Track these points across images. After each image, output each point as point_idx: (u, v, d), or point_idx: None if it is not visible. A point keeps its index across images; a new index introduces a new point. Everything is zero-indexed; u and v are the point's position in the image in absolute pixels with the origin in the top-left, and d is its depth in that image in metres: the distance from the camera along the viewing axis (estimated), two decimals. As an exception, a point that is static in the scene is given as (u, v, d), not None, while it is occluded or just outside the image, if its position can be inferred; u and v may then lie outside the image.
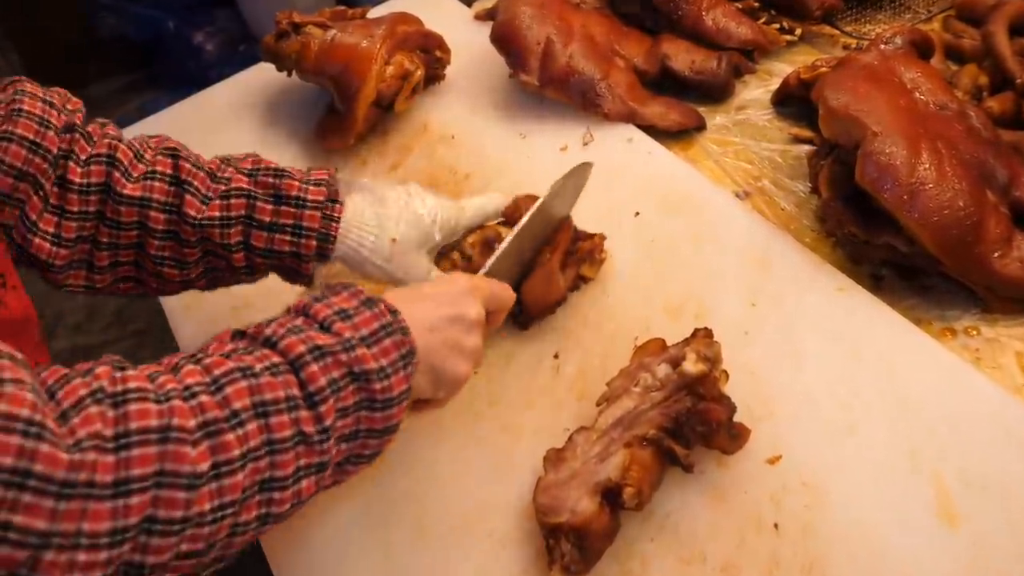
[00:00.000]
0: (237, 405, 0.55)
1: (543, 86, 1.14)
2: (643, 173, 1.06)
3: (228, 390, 0.55)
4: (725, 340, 0.85)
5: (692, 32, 1.20)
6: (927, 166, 0.83)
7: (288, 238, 0.79)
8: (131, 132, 1.32)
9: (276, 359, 0.58)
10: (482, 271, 0.81)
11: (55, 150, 0.75)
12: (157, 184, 0.78)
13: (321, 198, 0.80)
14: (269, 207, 0.79)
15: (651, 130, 1.12)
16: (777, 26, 1.23)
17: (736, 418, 0.76)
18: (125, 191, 0.77)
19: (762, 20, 1.23)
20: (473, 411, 0.88)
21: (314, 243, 0.80)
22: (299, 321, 0.61)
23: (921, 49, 1.03)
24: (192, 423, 0.52)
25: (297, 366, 0.58)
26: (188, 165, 0.79)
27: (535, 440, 0.83)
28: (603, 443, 0.75)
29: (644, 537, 0.75)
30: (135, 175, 0.78)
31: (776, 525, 0.74)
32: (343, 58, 1.16)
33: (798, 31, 1.23)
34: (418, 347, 0.64)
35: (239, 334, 0.62)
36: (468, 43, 1.30)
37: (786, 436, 0.78)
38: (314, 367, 0.58)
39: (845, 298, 0.88)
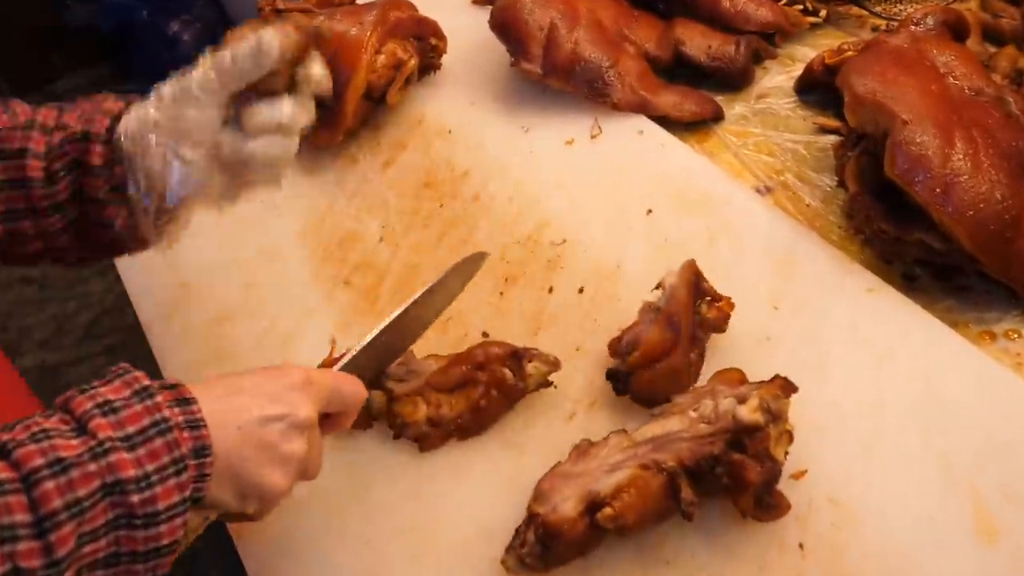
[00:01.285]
0: None
1: (547, 75, 1.16)
2: (655, 168, 1.07)
3: None
4: (745, 347, 0.87)
5: (708, 15, 1.22)
6: (961, 156, 0.85)
7: (83, 119, 0.79)
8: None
9: (4, 475, 0.52)
10: (337, 365, 0.77)
11: None
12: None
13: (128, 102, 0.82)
14: (73, 112, 0.80)
15: (664, 121, 1.14)
16: (800, 7, 1.25)
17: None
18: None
19: (784, 1, 1.25)
20: (474, 426, 0.89)
21: (107, 120, 0.78)
22: (52, 421, 0.56)
23: (955, 30, 1.04)
24: None
25: (29, 483, 0.52)
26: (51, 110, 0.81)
27: (538, 457, 0.84)
28: (626, 454, 0.77)
29: (659, 560, 0.76)
30: None
31: (801, 545, 0.75)
32: (331, 47, 1.17)
33: (823, 12, 1.25)
34: (219, 448, 0.60)
35: None
36: (466, 30, 1.32)
37: (811, 449, 0.79)
38: (49, 484, 0.52)
39: (875, 300, 0.89)
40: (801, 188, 1.04)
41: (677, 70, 1.20)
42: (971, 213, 0.83)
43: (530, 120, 1.19)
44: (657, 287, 0.88)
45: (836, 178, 1.02)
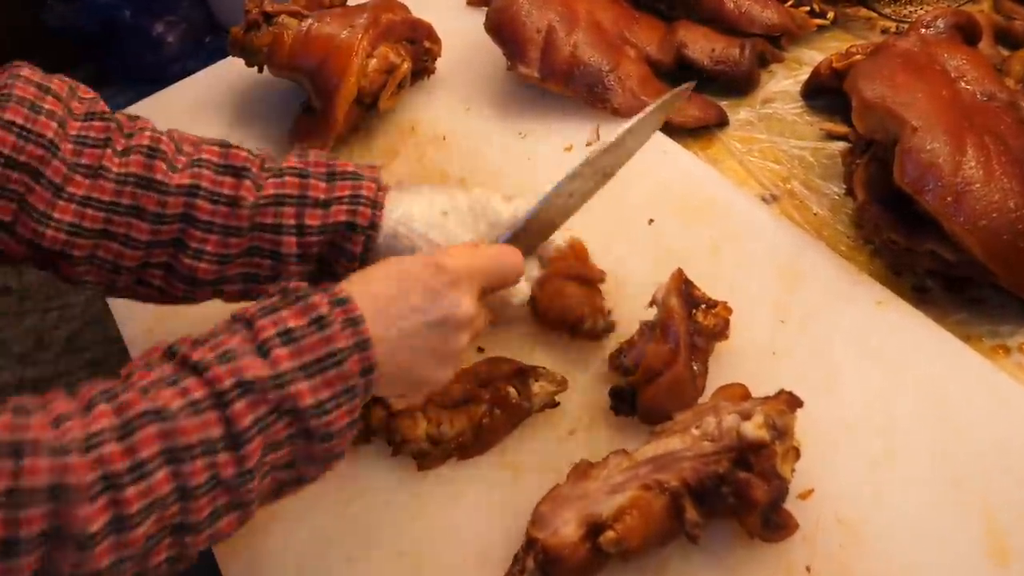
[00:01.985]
0: (145, 453, 0.56)
1: (545, 79, 1.17)
2: (657, 175, 1.08)
3: (136, 436, 0.57)
4: (750, 361, 0.88)
5: (711, 17, 1.23)
6: (973, 164, 0.86)
7: (345, 207, 0.83)
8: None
9: (198, 393, 0.60)
10: (501, 238, 0.84)
11: (50, 134, 0.78)
12: (206, 172, 0.82)
13: (376, 174, 0.87)
14: (323, 184, 0.84)
15: (666, 127, 1.14)
16: (807, 9, 1.26)
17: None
18: (171, 182, 0.81)
19: (790, 2, 1.26)
20: (469, 444, 0.90)
21: (368, 211, 0.84)
22: (236, 340, 0.62)
23: (967, 33, 1.05)
24: (89, 478, 0.54)
25: (222, 402, 0.60)
26: (238, 151, 0.85)
27: (536, 478, 0.85)
28: (627, 475, 0.77)
29: (661, 583, 0.77)
30: (179, 166, 0.82)
31: (808, 568, 0.76)
32: (320, 51, 1.18)
33: (831, 14, 1.26)
34: (385, 360, 0.67)
35: (169, 353, 0.63)
36: (461, 32, 1.33)
37: (818, 468, 0.80)
38: (239, 404, 0.60)
39: (885, 313, 0.90)
40: (808, 196, 1.05)
41: (680, 74, 1.21)
42: (984, 223, 0.84)
43: (528, 126, 1.19)
44: (651, 304, 0.88)
45: (844, 186, 1.03)
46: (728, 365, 0.88)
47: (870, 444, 0.81)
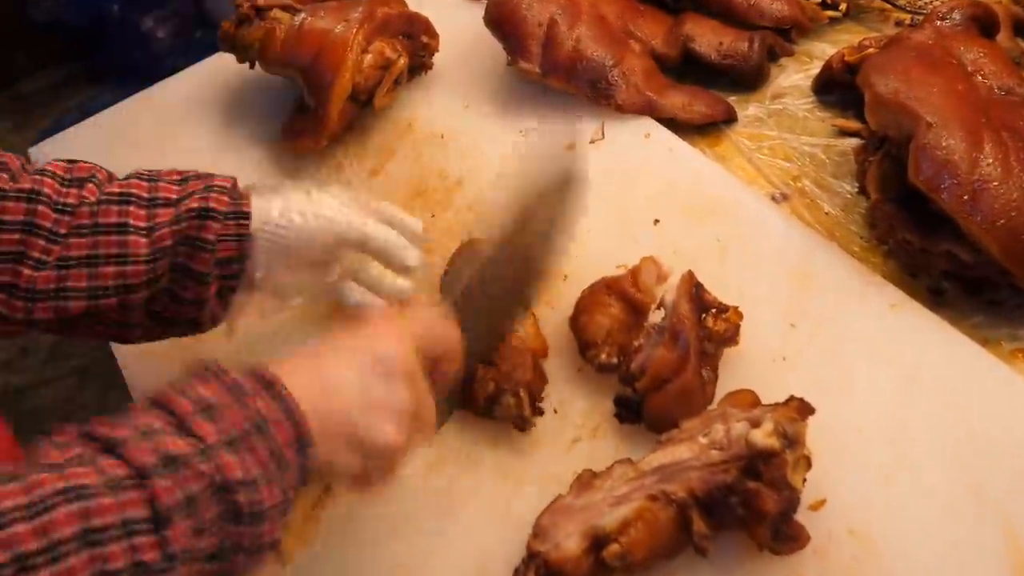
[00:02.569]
0: (59, 535, 0.53)
1: (546, 75, 1.17)
2: (663, 174, 1.08)
3: (50, 515, 0.53)
4: (759, 367, 0.88)
5: (719, 9, 1.23)
6: (991, 161, 0.85)
7: (198, 196, 0.83)
8: (70, 134, 1.38)
9: (120, 472, 0.57)
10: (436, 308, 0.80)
11: None
12: (48, 179, 0.82)
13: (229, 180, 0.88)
14: (175, 186, 0.84)
15: (672, 124, 1.14)
16: (818, 1, 1.26)
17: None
18: (11, 187, 0.80)
19: (801, -6, 1.26)
20: (468, 456, 0.90)
21: (225, 198, 0.84)
22: (153, 418, 0.60)
23: (984, 25, 1.05)
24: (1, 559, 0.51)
25: (144, 479, 0.57)
26: (83, 163, 0.85)
27: (538, 489, 0.85)
28: (632, 485, 0.77)
29: (667, 597, 0.77)
30: (20, 178, 0.82)
31: (820, 581, 0.76)
32: (314, 46, 1.19)
33: (843, 6, 1.25)
34: (317, 421, 0.64)
35: (84, 435, 0.60)
36: (459, 27, 1.33)
37: (831, 477, 0.80)
38: (165, 481, 0.57)
39: (899, 316, 0.90)
40: (819, 195, 1.04)
41: (686, 69, 1.21)
42: (1002, 222, 0.84)
43: (528, 123, 1.19)
44: (658, 306, 0.88)
45: (857, 184, 1.03)
46: (737, 370, 0.88)
47: (884, 452, 0.81)
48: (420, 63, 1.28)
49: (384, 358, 0.69)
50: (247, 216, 0.85)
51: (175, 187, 0.84)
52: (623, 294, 0.90)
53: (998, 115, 0.90)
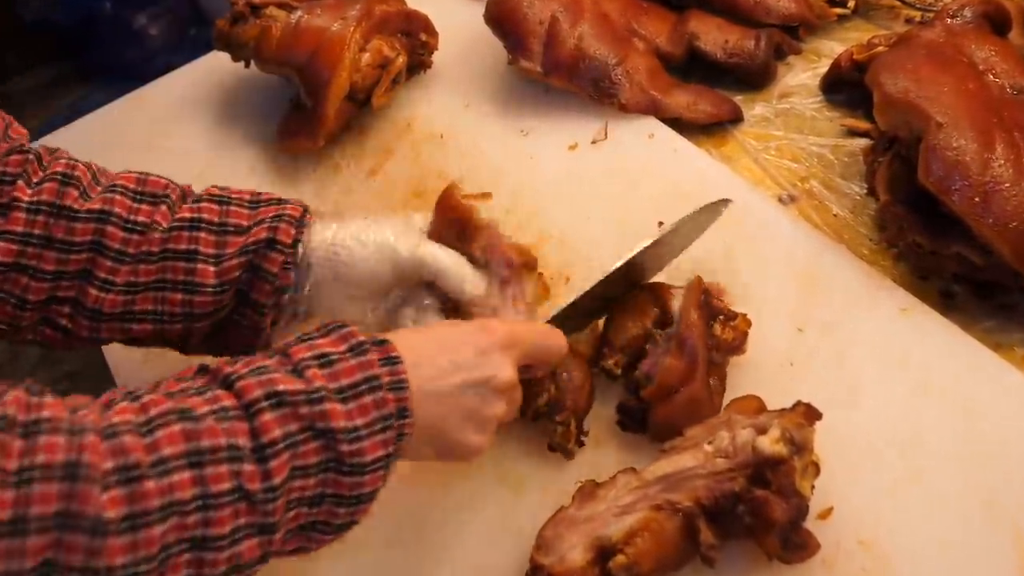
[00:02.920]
0: (167, 451, 0.57)
1: (548, 74, 1.17)
2: (667, 175, 1.08)
3: (159, 433, 0.57)
4: (766, 372, 0.88)
5: (725, 6, 1.23)
6: (1002, 162, 0.85)
7: (266, 226, 0.84)
8: (61, 134, 1.38)
9: (227, 402, 0.61)
10: (546, 317, 0.86)
11: None
12: (119, 197, 0.83)
13: (302, 202, 0.88)
14: (245, 211, 0.85)
15: (677, 124, 1.14)
16: (826, -3, 1.26)
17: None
18: (82, 208, 0.81)
19: (808, -10, 1.26)
20: (468, 464, 0.89)
21: (292, 229, 0.84)
22: (271, 360, 0.64)
23: (996, 22, 1.04)
24: (108, 464, 0.55)
25: (251, 412, 0.61)
26: (156, 178, 0.86)
27: (539, 499, 0.85)
28: (636, 495, 0.77)
29: (671, 609, 0.77)
30: (92, 194, 0.83)
31: (829, 592, 0.76)
32: (310, 44, 1.19)
33: (851, 3, 1.25)
34: (420, 412, 0.68)
35: (203, 370, 0.65)
36: (459, 24, 1.33)
37: (839, 486, 0.80)
38: (268, 416, 0.61)
39: (910, 320, 0.90)
40: (828, 197, 1.04)
41: (691, 67, 1.21)
42: (1014, 224, 0.84)
43: (530, 123, 1.19)
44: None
45: (866, 186, 1.03)
46: (743, 376, 0.88)
47: (894, 460, 0.81)
48: (419, 61, 1.28)
49: (493, 375, 0.73)
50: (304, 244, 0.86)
51: (246, 211, 0.85)
52: (663, 306, 0.89)
53: (1010, 115, 0.90)
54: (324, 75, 1.17)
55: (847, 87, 1.14)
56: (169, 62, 1.52)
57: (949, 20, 1.01)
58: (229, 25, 1.25)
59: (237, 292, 0.85)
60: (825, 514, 0.79)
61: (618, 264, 0.87)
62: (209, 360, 0.68)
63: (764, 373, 0.88)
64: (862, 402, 0.85)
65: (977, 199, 0.84)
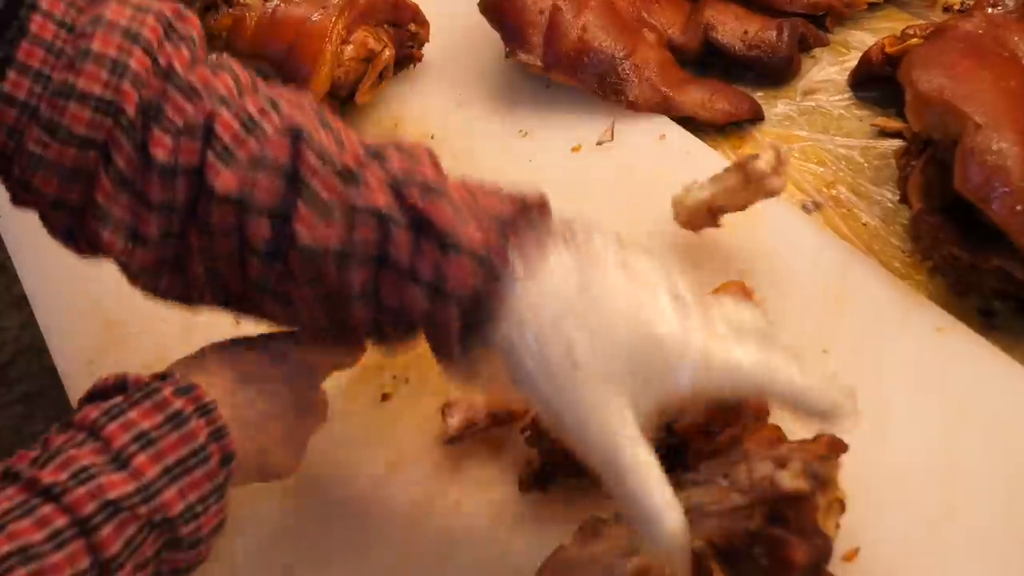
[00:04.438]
0: None
1: (549, 68, 1.17)
2: (680, 179, 1.07)
3: None
4: (787, 398, 0.87)
5: (744, -6, 1.23)
6: (1048, 167, 0.86)
7: (423, 291, 0.67)
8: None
9: (60, 522, 0.60)
10: None
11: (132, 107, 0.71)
12: (262, 178, 0.70)
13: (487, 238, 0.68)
14: (406, 234, 0.68)
15: (691, 123, 1.15)
16: (856, -16, 1.26)
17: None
18: (216, 182, 0.70)
19: (836, -24, 1.26)
20: (459, 498, 0.90)
21: (454, 309, 0.67)
22: (86, 452, 0.63)
23: (1042, 12, 1.05)
24: None
25: (87, 529, 0.60)
26: (311, 154, 0.70)
27: (536, 538, 0.85)
28: None
29: (683, 660, 0.77)
30: (234, 159, 0.71)
31: (855, 642, 0.76)
32: (288, 36, 1.19)
33: (883, -11, 1.26)
34: (240, 450, 0.69)
35: (10, 475, 0.63)
36: (451, 14, 1.33)
37: (867, 523, 0.80)
38: (107, 529, 0.60)
39: (945, 341, 0.90)
40: (856, 204, 1.05)
41: (707, 61, 1.22)
42: (1060, 235, 0.84)
43: (529, 123, 1.20)
44: None
45: (899, 192, 1.03)
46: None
47: (928, 496, 0.81)
48: (408, 55, 1.29)
49: (304, 390, 0.77)
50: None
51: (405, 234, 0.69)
52: None
53: (1056, 115, 0.90)
54: (303, 70, 1.18)
55: (878, 83, 1.15)
56: (135, 54, 1.52)
57: (990, 9, 1.01)
58: (200, 14, 1.25)
59: None
60: (851, 556, 0.79)
61: None
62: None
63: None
64: (892, 432, 0.85)
65: (1020, 207, 0.84)
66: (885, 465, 0.83)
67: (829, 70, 1.20)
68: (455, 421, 0.88)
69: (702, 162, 1.10)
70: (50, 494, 0.60)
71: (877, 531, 0.80)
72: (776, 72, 1.19)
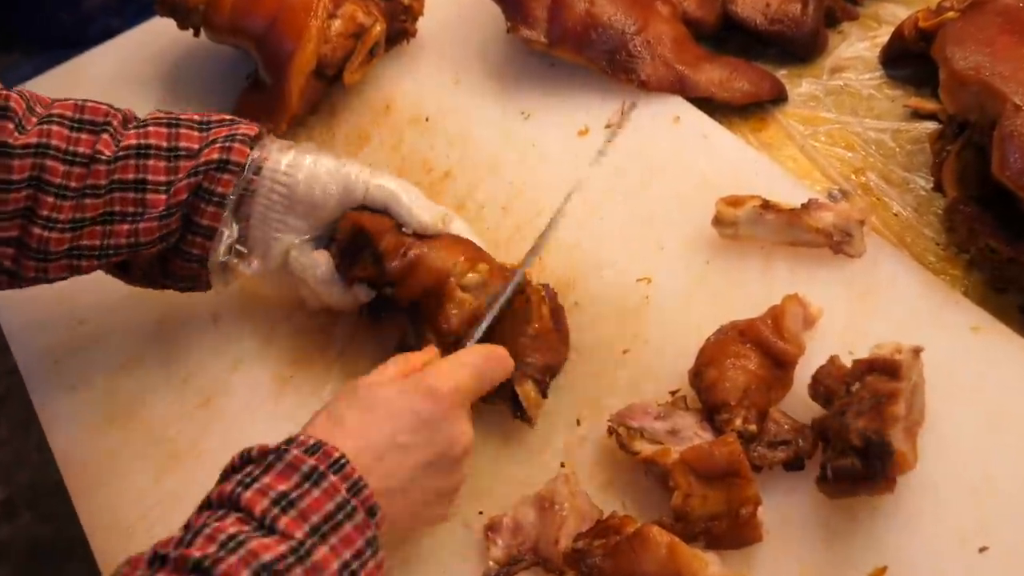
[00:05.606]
0: None
1: (553, 45, 1.17)
2: (696, 165, 1.08)
3: None
4: (814, 407, 0.87)
5: (766, -37, 1.23)
6: (1093, 152, 0.86)
7: (218, 146, 0.92)
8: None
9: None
10: (472, 339, 0.90)
11: None
12: (57, 129, 0.90)
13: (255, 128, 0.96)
14: (196, 132, 0.93)
15: (708, 104, 1.15)
16: (888, -48, 1.26)
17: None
18: (17, 141, 0.88)
19: (866, -56, 1.26)
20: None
21: (247, 149, 0.92)
22: (231, 524, 0.65)
23: (1088, -17, 1.05)
24: None
25: None
26: (96, 104, 0.94)
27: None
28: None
29: None
30: (28, 126, 0.90)
31: (883, 668, 0.76)
32: (270, 10, 1.19)
33: (917, -42, 1.26)
34: (387, 511, 0.71)
35: (159, 560, 0.65)
36: (448, -15, 1.34)
37: (894, 540, 0.80)
38: None
39: (983, 341, 0.90)
40: (887, 192, 1.05)
41: (725, 37, 1.22)
42: (1107, 227, 0.84)
43: (532, 104, 1.20)
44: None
45: (932, 179, 1.03)
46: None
47: (963, 509, 0.81)
48: (400, 30, 1.28)
49: (450, 447, 0.78)
50: (259, 170, 0.94)
51: (196, 133, 0.92)
52: (762, 343, 0.89)
53: (1104, 95, 0.90)
54: (286, 47, 1.18)
55: (912, 60, 1.14)
56: (107, 28, 1.53)
57: (1032, -19, 1.01)
58: (173, -15, 1.25)
59: (183, 217, 0.91)
60: (879, 573, 0.79)
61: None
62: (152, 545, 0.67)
63: (811, 406, 0.87)
64: (925, 439, 0.84)
65: (1062, 196, 0.84)
66: (916, 476, 0.82)
67: (858, 46, 1.20)
68: (499, 552, 0.87)
69: (720, 147, 1.10)
70: (201, 568, 0.62)
71: (907, 547, 0.80)
72: (800, 48, 1.19)
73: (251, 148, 0.93)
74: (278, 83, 1.19)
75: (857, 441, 0.76)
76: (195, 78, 1.36)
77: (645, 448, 0.85)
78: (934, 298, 0.94)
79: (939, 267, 0.97)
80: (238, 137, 0.92)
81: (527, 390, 0.89)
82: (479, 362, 0.84)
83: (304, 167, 0.94)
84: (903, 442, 0.77)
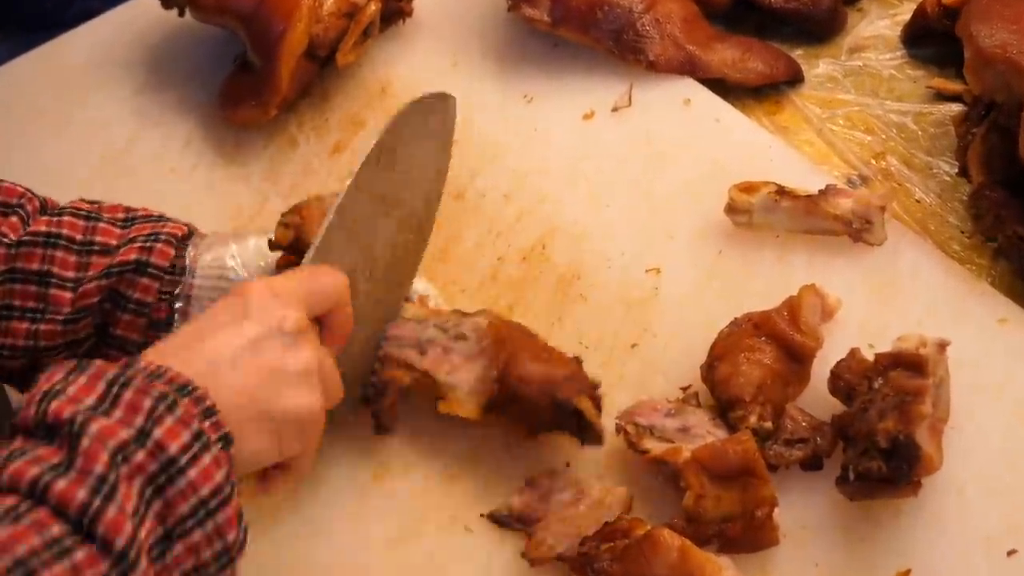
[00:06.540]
0: None
1: (557, 24, 1.17)
2: (707, 150, 1.08)
3: None
4: (832, 401, 0.87)
5: (781, -63, 1.23)
6: None
7: (138, 245, 0.88)
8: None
9: (8, 502, 0.57)
10: (305, 260, 0.86)
11: None
12: None
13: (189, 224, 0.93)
14: (117, 229, 0.89)
15: (720, 86, 1.15)
16: (909, -76, 1.26)
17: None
18: None
19: (887, -83, 1.26)
20: (453, 518, 0.91)
21: (171, 250, 0.88)
22: (46, 450, 0.60)
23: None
24: None
25: (38, 495, 0.57)
26: (11, 185, 0.89)
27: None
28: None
29: None
30: None
31: (906, 677, 0.76)
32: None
33: (941, -69, 1.26)
34: (219, 398, 0.67)
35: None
36: (447, -39, 1.33)
37: (919, 541, 0.80)
38: (60, 483, 0.57)
39: (1010, 333, 0.91)
40: (910, 178, 1.05)
41: (738, 15, 1.22)
42: None
43: (535, 86, 1.20)
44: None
45: (957, 164, 1.03)
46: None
47: (988, 511, 0.81)
48: (396, 8, 1.28)
49: (276, 323, 0.73)
50: (183, 272, 0.89)
51: (117, 229, 0.88)
52: (778, 336, 0.89)
53: None
54: (276, 26, 1.17)
55: (935, 39, 1.15)
56: (86, 8, 1.52)
57: (1061, -46, 1.01)
58: (156, -34, 1.26)
59: (98, 327, 0.87)
60: (902, 576, 0.80)
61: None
62: None
63: (830, 402, 0.88)
64: (950, 437, 0.85)
65: (1094, 181, 0.85)
66: (940, 476, 0.83)
67: (878, 24, 1.20)
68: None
69: (733, 131, 1.11)
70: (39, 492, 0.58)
71: (931, 551, 0.80)
72: (818, 27, 1.20)
73: (176, 249, 0.89)
74: (267, 65, 1.19)
75: (884, 443, 0.76)
76: (179, 61, 1.35)
77: (655, 447, 0.85)
78: (959, 289, 0.94)
79: (964, 256, 0.98)
80: (162, 236, 0.88)
81: (587, 405, 0.86)
82: (303, 273, 0.81)
83: (236, 272, 0.91)
84: (928, 442, 0.77)
